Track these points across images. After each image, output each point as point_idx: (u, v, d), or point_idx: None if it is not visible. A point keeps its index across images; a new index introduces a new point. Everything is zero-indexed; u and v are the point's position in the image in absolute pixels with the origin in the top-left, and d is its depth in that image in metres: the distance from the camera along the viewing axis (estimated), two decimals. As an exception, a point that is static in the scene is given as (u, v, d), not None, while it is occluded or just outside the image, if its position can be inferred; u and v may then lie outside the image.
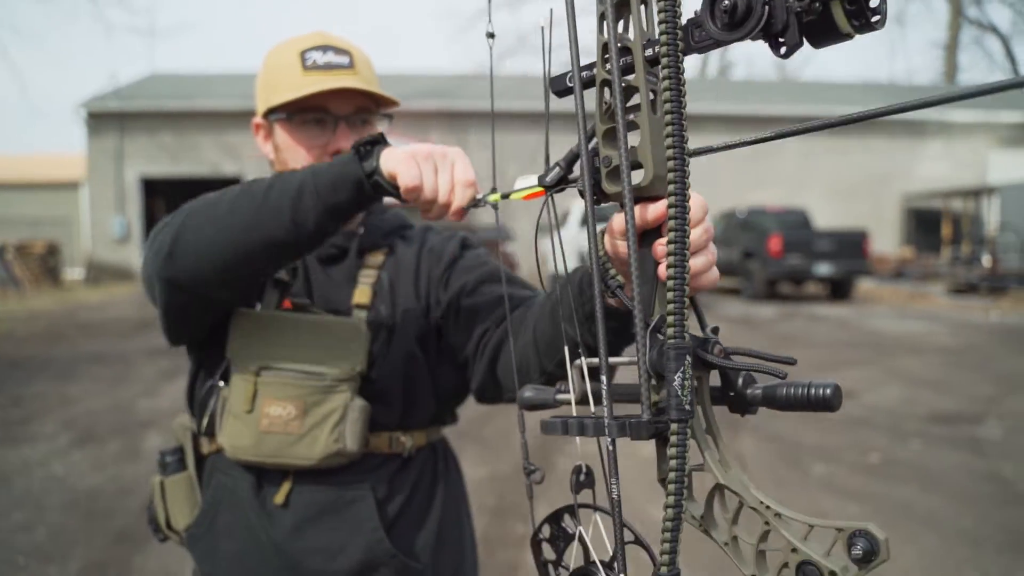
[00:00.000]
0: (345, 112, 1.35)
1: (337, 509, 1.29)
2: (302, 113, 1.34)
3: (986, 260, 18.58)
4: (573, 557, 0.72)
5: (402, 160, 1.00)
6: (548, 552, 0.75)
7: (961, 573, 3.62)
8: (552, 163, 0.78)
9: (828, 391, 0.60)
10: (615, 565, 0.63)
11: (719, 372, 0.65)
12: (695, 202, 0.72)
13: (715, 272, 0.78)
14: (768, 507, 0.60)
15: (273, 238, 1.07)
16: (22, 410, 6.72)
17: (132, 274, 21.30)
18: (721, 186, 22.34)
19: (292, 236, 1.07)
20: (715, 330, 0.67)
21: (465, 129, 22.68)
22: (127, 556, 3.75)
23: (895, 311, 14.48)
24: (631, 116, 0.65)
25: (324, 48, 1.34)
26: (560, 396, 0.75)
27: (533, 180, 0.90)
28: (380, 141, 1.05)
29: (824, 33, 0.56)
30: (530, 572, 3.57)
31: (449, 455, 1.52)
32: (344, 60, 1.34)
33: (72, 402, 6.99)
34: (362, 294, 1.36)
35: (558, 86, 0.71)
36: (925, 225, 24.15)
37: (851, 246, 16.17)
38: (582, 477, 0.71)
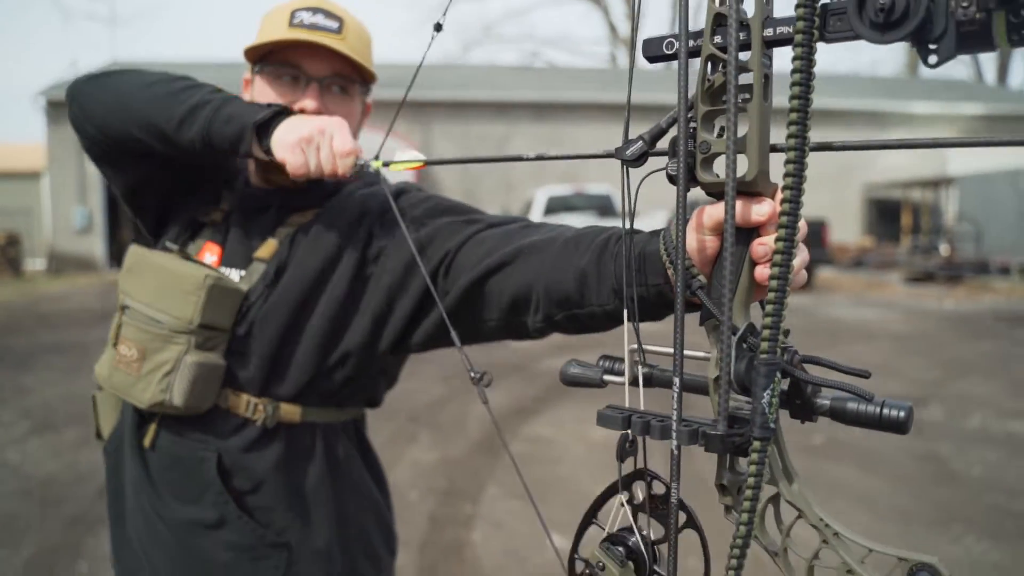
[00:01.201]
0: (319, 74, 1.33)
1: (187, 465, 1.30)
2: (278, 67, 1.34)
3: (944, 249, 18.99)
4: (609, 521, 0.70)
5: (288, 148, 1.15)
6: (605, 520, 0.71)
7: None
8: (635, 136, 0.69)
9: (902, 413, 0.58)
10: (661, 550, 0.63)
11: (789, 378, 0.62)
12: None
13: (805, 273, 0.71)
14: (828, 525, 0.58)
15: (156, 122, 1.21)
16: (-22, 400, 6.69)
17: (94, 265, 21.06)
18: (686, 176, 22.46)
19: (170, 130, 1.21)
20: (786, 332, 0.63)
21: (429, 119, 22.66)
22: (79, 539, 3.80)
23: (852, 299, 14.76)
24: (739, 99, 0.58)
25: (315, 10, 1.32)
26: (608, 377, 0.72)
27: (415, 154, 1.04)
28: (283, 112, 1.19)
29: (976, 41, 0.51)
30: (475, 551, 3.69)
31: (340, 443, 1.42)
32: (332, 24, 1.32)
33: (28, 392, 6.96)
34: (266, 248, 1.33)
35: (652, 51, 0.63)
36: (886, 215, 24.55)
37: (810, 235, 16.36)
38: (628, 446, 0.67)
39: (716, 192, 0.66)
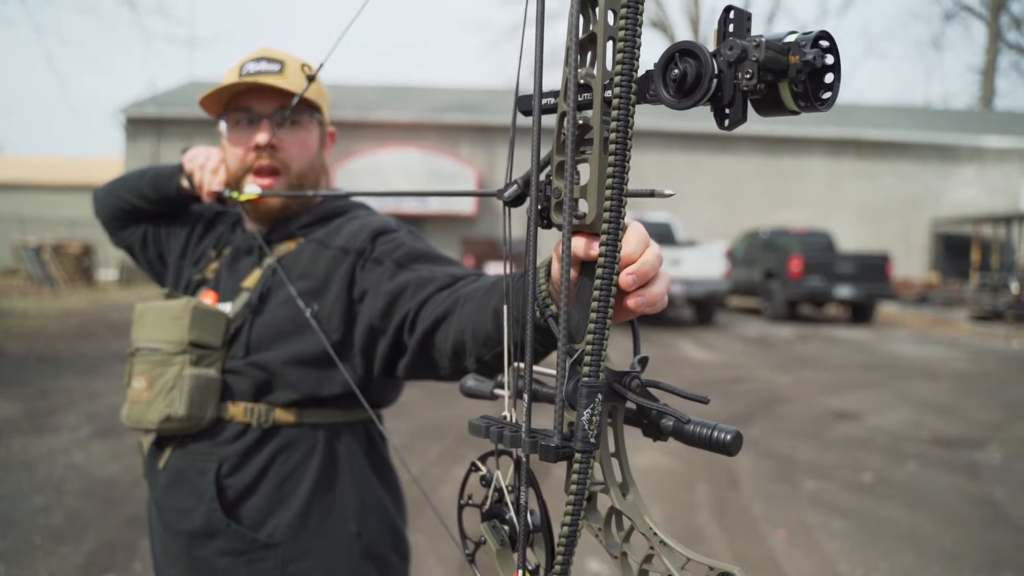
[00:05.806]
0: (266, 111, 1.51)
1: (189, 477, 1.43)
2: (234, 113, 1.53)
3: (1014, 287, 18.39)
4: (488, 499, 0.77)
5: (187, 159, 1.62)
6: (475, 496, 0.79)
7: (931, 588, 3.71)
8: (513, 180, 0.76)
9: (728, 436, 0.63)
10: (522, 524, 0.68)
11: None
12: (635, 234, 0.68)
13: (658, 296, 0.72)
14: (656, 534, 0.64)
15: (129, 200, 1.73)
16: (48, 402, 7.01)
17: (164, 276, 21.77)
18: (746, 206, 22.43)
19: (136, 200, 1.72)
20: (643, 360, 0.68)
21: (492, 143, 22.90)
22: (135, 539, 3.98)
23: (915, 336, 14.43)
24: (583, 152, 0.64)
25: (259, 59, 1.51)
26: (496, 391, 0.83)
27: (256, 189, 1.50)
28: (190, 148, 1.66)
29: (771, 107, 0.57)
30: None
31: (342, 443, 1.51)
32: (274, 67, 1.50)
33: (96, 396, 7.27)
34: (251, 278, 1.51)
35: (525, 106, 0.69)
36: (954, 250, 23.90)
37: (873, 269, 16.14)
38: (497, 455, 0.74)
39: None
